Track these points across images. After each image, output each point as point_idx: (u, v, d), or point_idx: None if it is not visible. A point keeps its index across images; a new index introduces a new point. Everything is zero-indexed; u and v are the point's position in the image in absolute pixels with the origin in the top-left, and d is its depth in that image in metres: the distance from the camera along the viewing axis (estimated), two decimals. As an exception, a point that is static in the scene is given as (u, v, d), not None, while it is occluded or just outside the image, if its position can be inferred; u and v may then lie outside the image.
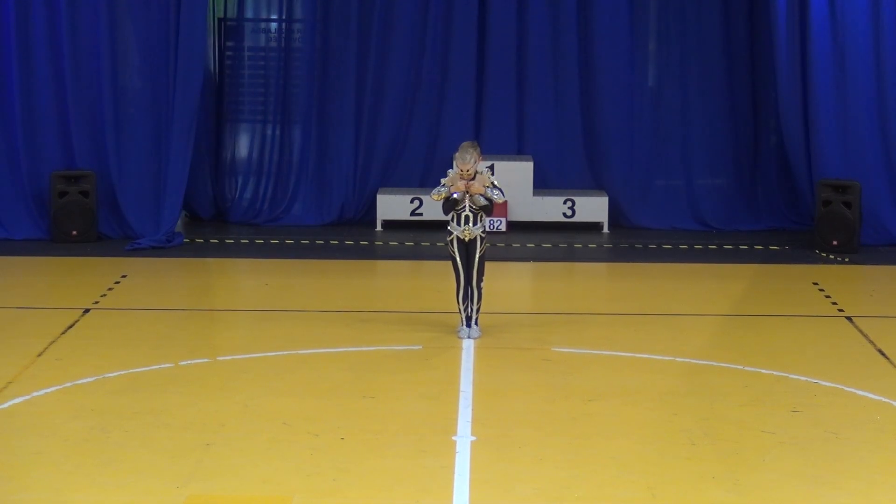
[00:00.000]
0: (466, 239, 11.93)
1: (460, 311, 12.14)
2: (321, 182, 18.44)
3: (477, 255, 11.95)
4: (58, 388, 10.53)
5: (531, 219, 18.08)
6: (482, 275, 12.04)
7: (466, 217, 11.89)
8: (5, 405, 10.09)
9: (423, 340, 12.11)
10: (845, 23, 17.03)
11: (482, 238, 11.96)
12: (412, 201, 17.99)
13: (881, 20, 17.09)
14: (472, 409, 10.06)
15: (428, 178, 18.07)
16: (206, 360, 11.47)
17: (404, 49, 18.36)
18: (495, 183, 11.97)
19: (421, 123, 18.50)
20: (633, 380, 11.04)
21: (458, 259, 11.99)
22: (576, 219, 18.12)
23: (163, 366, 11.22)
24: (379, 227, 18.02)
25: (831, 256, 16.57)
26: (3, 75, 17.10)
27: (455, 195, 11.86)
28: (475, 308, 12.08)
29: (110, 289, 14.33)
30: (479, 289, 12.04)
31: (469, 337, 12.05)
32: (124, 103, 17.29)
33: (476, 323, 12.15)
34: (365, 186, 18.43)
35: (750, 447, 9.29)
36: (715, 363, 11.56)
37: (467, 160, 11.82)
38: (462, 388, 10.67)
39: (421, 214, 17.94)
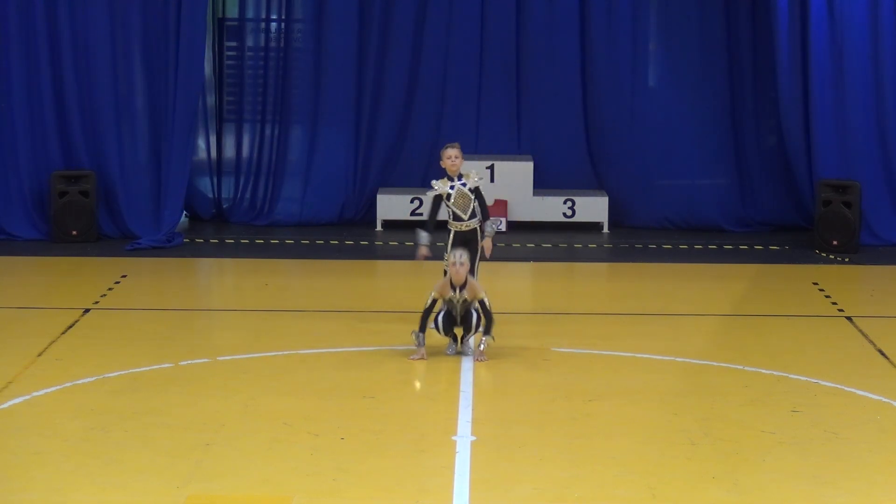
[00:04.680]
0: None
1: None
2: (321, 182, 18.43)
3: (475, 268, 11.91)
4: (58, 388, 10.53)
5: (531, 219, 18.08)
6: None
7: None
8: (5, 405, 10.09)
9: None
10: (844, 23, 17.04)
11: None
12: (412, 201, 17.99)
13: (880, 21, 17.10)
14: (472, 409, 10.05)
15: (428, 177, 17.94)
16: (206, 360, 11.47)
17: (404, 49, 18.36)
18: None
19: (421, 123, 18.49)
20: (633, 380, 11.04)
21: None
22: (576, 219, 18.12)
23: (163, 366, 11.22)
24: (379, 227, 18.02)
25: (831, 256, 16.57)
26: (4, 75, 17.09)
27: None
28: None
29: (110, 289, 14.33)
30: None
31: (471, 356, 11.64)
32: (124, 103, 17.29)
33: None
34: (365, 186, 18.43)
35: (750, 447, 9.29)
36: (715, 363, 11.56)
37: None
38: (462, 388, 10.67)
39: (421, 214, 17.92)
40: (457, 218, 12.15)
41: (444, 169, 12.21)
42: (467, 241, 12.07)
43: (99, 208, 17.11)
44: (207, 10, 17.45)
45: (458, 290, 11.47)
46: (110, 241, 17.03)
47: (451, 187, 12.15)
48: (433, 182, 12.31)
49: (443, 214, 12.27)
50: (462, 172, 12.20)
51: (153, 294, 14.47)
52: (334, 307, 13.63)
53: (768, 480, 8.66)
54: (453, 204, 12.11)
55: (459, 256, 11.39)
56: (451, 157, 12.19)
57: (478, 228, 12.16)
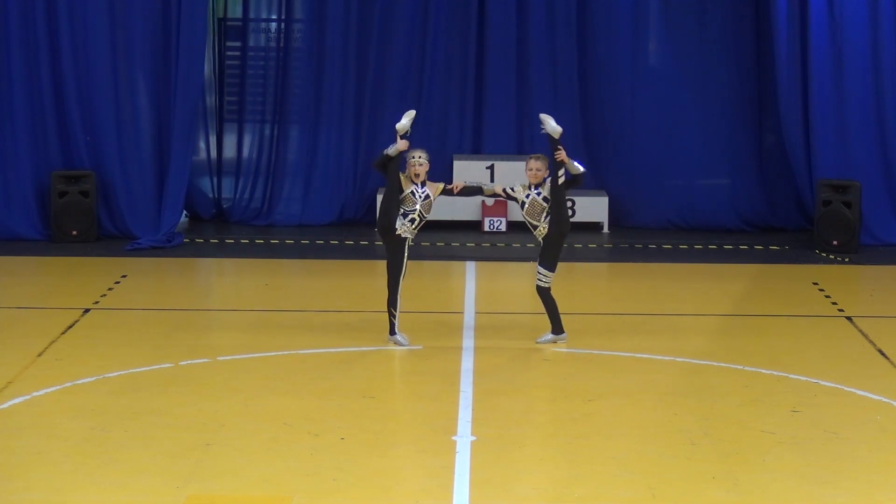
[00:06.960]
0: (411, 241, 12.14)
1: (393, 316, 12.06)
2: (321, 182, 18.43)
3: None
4: (58, 388, 10.53)
5: (531, 219, 18.03)
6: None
7: (412, 220, 11.97)
8: (5, 405, 10.09)
9: (423, 340, 12.11)
10: (844, 23, 17.05)
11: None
12: (412, 201, 17.94)
13: (879, 21, 17.11)
14: (472, 409, 10.06)
15: (427, 177, 18.05)
16: (206, 360, 11.47)
17: (404, 49, 18.35)
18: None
19: (421, 123, 18.46)
20: (633, 380, 11.04)
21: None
22: (576, 219, 18.05)
23: (163, 366, 11.22)
24: (379, 227, 17.99)
25: (831, 256, 16.57)
26: (4, 75, 17.10)
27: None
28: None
29: (110, 289, 14.33)
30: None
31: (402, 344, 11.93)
32: (124, 103, 17.29)
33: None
34: (365, 186, 18.43)
35: (750, 447, 9.29)
36: (715, 363, 11.56)
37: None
38: (462, 388, 10.67)
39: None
40: (532, 227, 12.08)
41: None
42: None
43: (99, 208, 17.11)
44: (207, 10, 17.46)
45: (419, 186, 12.12)
46: (110, 241, 17.02)
47: (527, 196, 11.99)
48: (517, 185, 12.07)
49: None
50: (537, 183, 11.99)
51: (153, 294, 14.47)
52: (334, 307, 13.63)
53: (768, 480, 8.66)
54: (526, 213, 12.02)
55: (419, 157, 12.20)
56: (532, 168, 11.96)
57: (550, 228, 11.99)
